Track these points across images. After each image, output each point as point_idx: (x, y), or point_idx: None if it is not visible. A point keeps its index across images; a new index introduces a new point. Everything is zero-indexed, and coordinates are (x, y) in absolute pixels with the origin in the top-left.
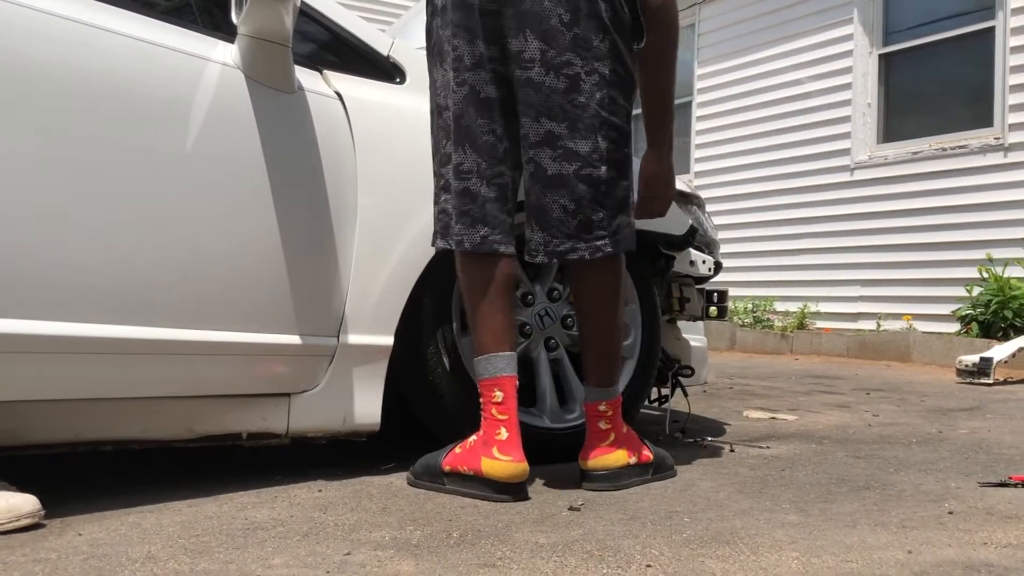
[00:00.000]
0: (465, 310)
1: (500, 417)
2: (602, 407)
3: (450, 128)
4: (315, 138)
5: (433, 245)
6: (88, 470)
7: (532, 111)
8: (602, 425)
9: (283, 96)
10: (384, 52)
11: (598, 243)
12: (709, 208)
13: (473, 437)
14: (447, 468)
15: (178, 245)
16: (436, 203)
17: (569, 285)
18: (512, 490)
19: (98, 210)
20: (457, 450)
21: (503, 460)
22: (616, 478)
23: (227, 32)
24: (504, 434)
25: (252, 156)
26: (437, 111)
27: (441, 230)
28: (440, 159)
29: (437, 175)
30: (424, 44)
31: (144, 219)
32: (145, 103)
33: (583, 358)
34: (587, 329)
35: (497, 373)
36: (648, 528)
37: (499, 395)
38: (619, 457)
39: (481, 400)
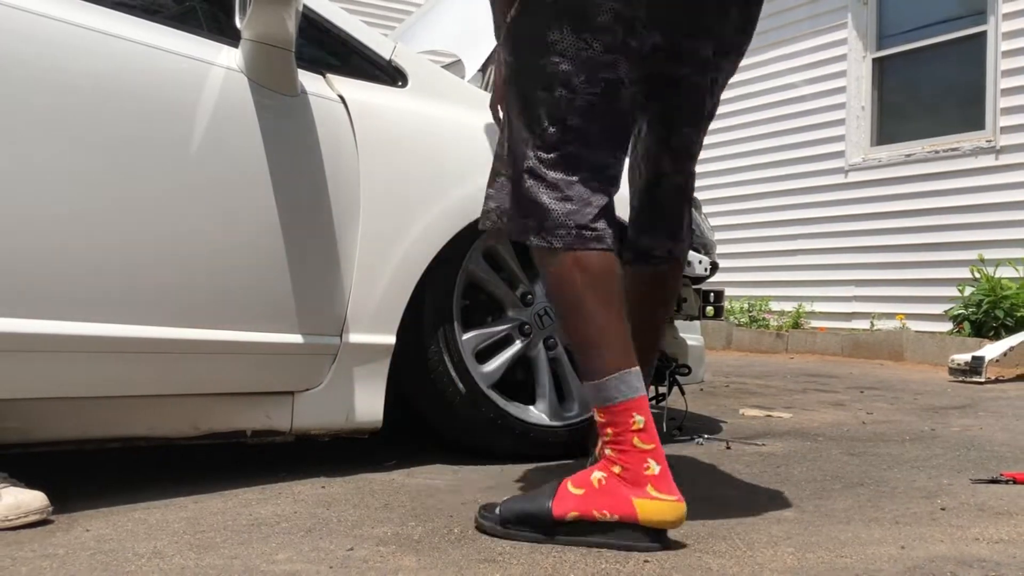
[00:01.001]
0: (567, 328)
1: (646, 447)
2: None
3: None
4: (318, 140)
5: (527, 240)
6: (95, 467)
7: (695, 120)
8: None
9: (287, 99)
10: (386, 56)
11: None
12: (706, 209)
13: (598, 473)
14: (570, 514)
15: (185, 246)
16: (522, 185)
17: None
18: (663, 537)
19: (108, 212)
20: (574, 490)
21: (666, 500)
22: None
23: (232, 37)
24: (655, 467)
25: (257, 158)
26: (562, 82)
27: (536, 223)
28: (543, 141)
29: (535, 154)
30: (428, 48)
31: (153, 221)
32: (154, 108)
33: None
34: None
35: (632, 394)
36: None
37: (640, 420)
38: None
39: (608, 430)
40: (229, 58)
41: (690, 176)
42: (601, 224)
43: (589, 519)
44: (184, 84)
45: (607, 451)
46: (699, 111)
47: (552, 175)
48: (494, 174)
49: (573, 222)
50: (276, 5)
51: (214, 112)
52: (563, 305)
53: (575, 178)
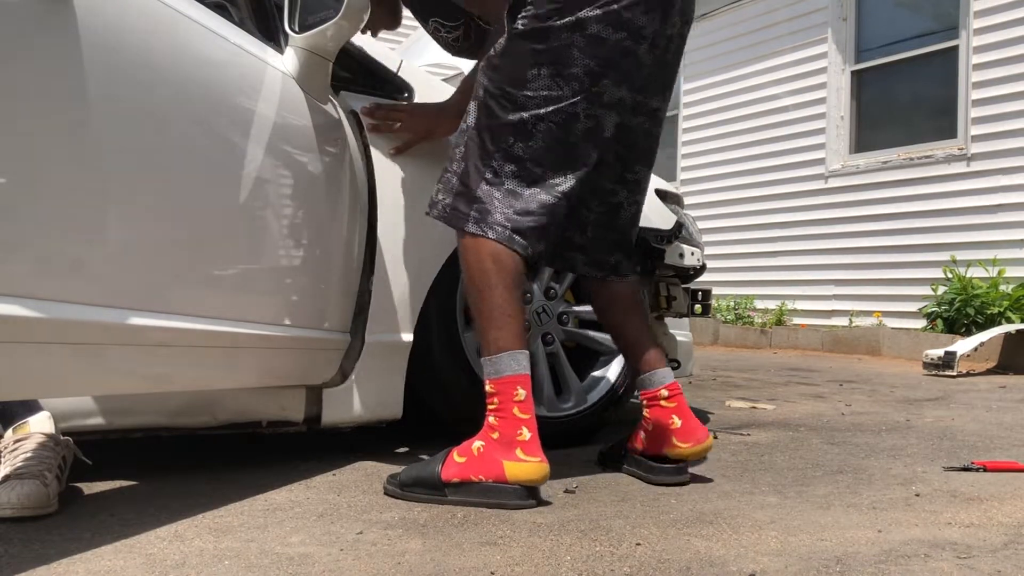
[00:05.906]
0: (476, 307)
1: (523, 416)
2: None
3: (560, 141)
4: (347, 147)
5: (463, 228)
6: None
7: (648, 159)
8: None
9: (322, 107)
10: (394, 71)
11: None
12: (695, 213)
13: (478, 442)
14: (454, 479)
15: (249, 246)
16: (477, 186)
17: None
18: (535, 494)
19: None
20: (458, 459)
21: (531, 461)
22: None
23: (276, 42)
24: (527, 434)
25: (304, 164)
26: (536, 106)
27: (478, 215)
28: (505, 154)
29: (492, 164)
30: (433, 61)
31: (234, 218)
32: (234, 107)
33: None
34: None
35: (520, 371)
36: (638, 509)
37: (522, 393)
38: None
39: (495, 399)
40: (276, 60)
41: (640, 207)
42: (531, 235)
43: (468, 482)
44: (257, 85)
45: (490, 419)
46: (650, 153)
47: (508, 184)
48: (446, 174)
49: (511, 224)
50: (360, 20)
51: (277, 114)
52: (475, 289)
53: (529, 190)
